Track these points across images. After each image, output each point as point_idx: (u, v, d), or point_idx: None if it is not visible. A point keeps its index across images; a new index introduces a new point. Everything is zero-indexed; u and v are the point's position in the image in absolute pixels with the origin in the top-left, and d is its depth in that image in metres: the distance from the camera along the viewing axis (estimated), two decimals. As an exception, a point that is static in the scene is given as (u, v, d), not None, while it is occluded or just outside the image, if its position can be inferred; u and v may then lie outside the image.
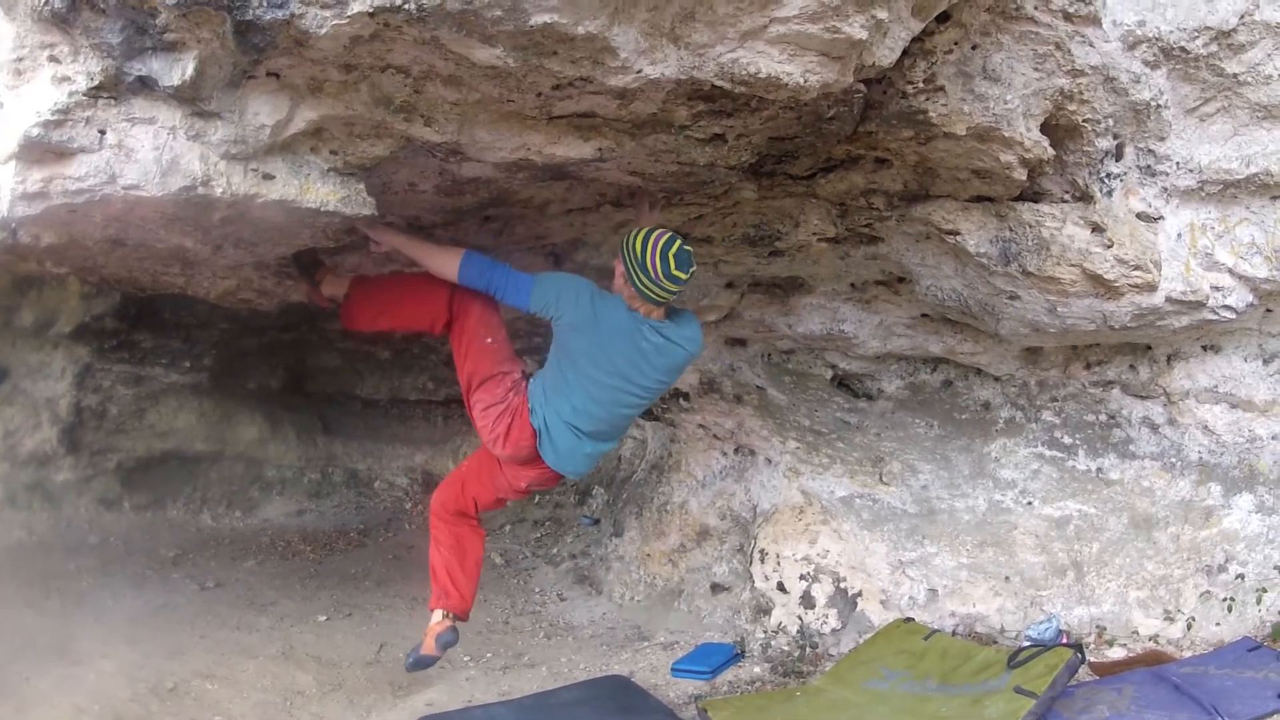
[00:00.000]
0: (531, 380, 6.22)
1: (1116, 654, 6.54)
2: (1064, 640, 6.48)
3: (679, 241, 5.71)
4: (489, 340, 6.28)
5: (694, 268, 5.77)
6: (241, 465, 10.98)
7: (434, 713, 6.58)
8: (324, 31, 4.08)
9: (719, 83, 4.62)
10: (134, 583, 8.53)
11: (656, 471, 9.37)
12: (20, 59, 4.48)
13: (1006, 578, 7.10)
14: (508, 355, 6.32)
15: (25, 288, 8.53)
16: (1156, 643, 6.61)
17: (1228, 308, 6.42)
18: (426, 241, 6.17)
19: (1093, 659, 6.42)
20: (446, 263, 6.01)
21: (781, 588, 7.70)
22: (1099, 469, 7.35)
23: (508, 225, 6.92)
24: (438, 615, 6.67)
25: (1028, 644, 6.39)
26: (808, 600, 7.55)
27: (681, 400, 8.83)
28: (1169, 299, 6.29)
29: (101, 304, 8.75)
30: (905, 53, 5.03)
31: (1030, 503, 7.39)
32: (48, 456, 9.57)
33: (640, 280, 5.70)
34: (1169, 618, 6.71)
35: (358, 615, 8.37)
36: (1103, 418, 7.43)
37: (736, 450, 8.76)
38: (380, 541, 10.49)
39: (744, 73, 4.54)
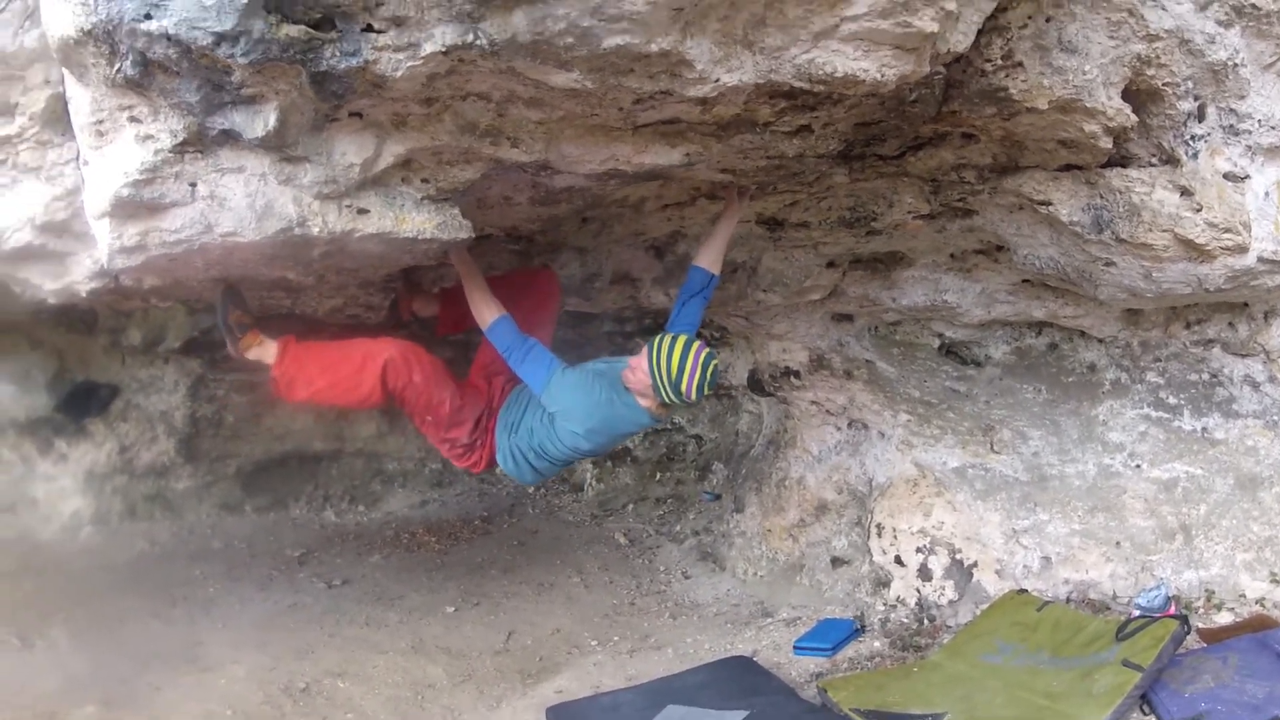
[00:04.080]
0: (500, 425, 6.54)
1: (1224, 619, 6.50)
2: (1172, 608, 6.46)
3: (715, 361, 5.95)
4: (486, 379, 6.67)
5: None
6: (361, 461, 11.07)
7: (562, 701, 6.63)
8: (400, 74, 4.17)
9: (797, 83, 4.65)
10: (260, 585, 8.65)
11: (773, 447, 9.42)
12: (100, 121, 4.59)
13: (1117, 543, 7.07)
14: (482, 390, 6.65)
15: (130, 308, 8.65)
16: (1263, 606, 6.55)
17: (1318, 265, 6.37)
18: (482, 286, 6.25)
19: (1200, 624, 6.40)
20: (484, 314, 6.19)
21: (899, 561, 7.75)
22: (1204, 429, 7.29)
23: (606, 225, 7.04)
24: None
25: (1137, 614, 6.37)
26: (925, 572, 7.59)
27: (793, 378, 8.89)
28: (1260, 259, 6.23)
29: (209, 319, 8.80)
30: (980, 31, 5.02)
31: (1139, 465, 7.33)
32: (166, 467, 9.71)
33: (668, 394, 5.93)
34: (1275, 580, 6.65)
35: (485, 604, 8.44)
36: (1205, 376, 7.37)
37: (849, 425, 8.79)
38: (504, 528, 10.53)
39: (820, 72, 4.57)
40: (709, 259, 6.45)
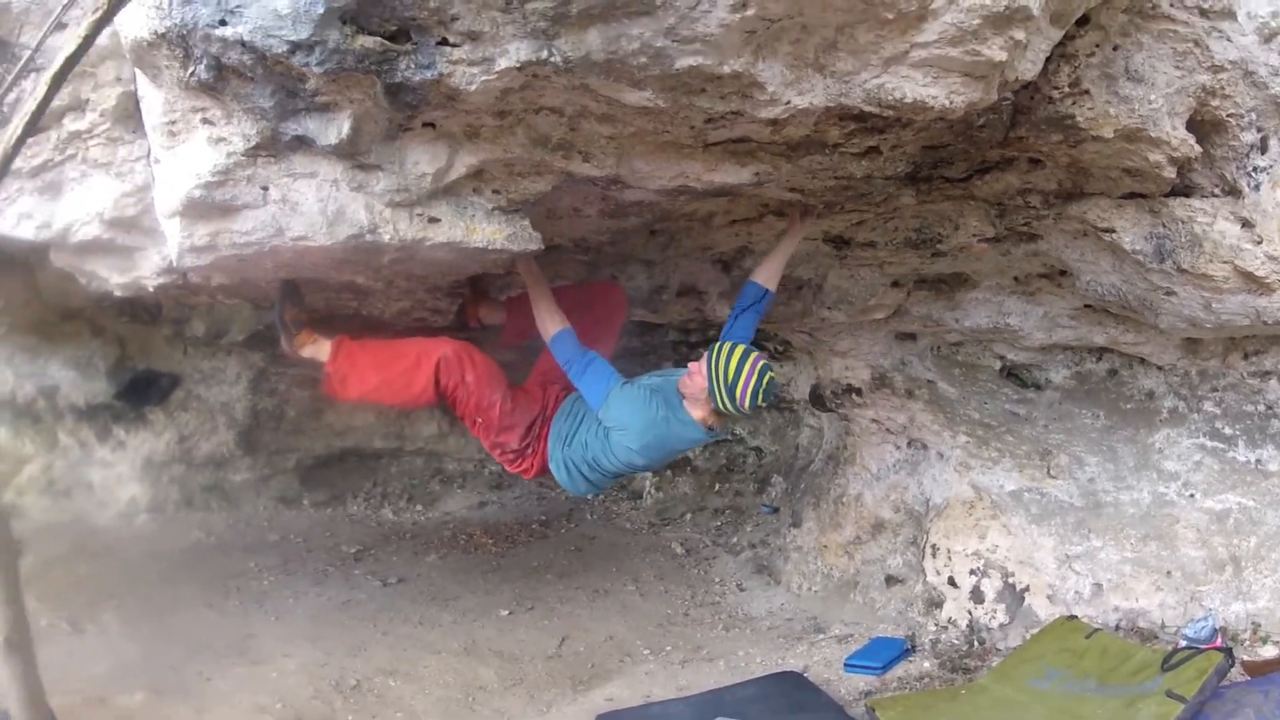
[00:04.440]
0: (553, 435, 6.53)
1: (1269, 652, 6.47)
2: (1219, 640, 6.43)
3: (770, 373, 5.91)
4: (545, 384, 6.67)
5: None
6: (421, 460, 11.11)
7: (612, 709, 6.67)
8: (474, 88, 4.22)
9: (866, 107, 4.67)
10: (315, 580, 8.69)
11: (832, 463, 9.41)
12: (172, 121, 4.65)
13: (1168, 572, 7.04)
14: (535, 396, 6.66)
15: (196, 303, 8.70)
16: (1308, 641, 6.54)
17: (1374, 301, 6.32)
18: (547, 297, 6.29)
19: (1246, 657, 6.38)
20: (548, 325, 6.23)
21: (952, 582, 7.75)
22: (1258, 460, 7.24)
23: (674, 238, 7.06)
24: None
25: (1183, 644, 6.36)
26: (977, 595, 7.58)
27: (854, 395, 8.91)
28: (1318, 294, 6.20)
29: (274, 314, 8.86)
30: (1048, 58, 5.01)
31: (1192, 495, 7.29)
32: (225, 458, 9.79)
33: (723, 400, 5.90)
34: (1322, 614, 6.64)
35: (539, 609, 8.45)
36: (1261, 408, 7.33)
37: (909, 444, 8.78)
38: (561, 533, 10.53)
39: (890, 98, 4.58)
40: (766, 275, 6.49)
